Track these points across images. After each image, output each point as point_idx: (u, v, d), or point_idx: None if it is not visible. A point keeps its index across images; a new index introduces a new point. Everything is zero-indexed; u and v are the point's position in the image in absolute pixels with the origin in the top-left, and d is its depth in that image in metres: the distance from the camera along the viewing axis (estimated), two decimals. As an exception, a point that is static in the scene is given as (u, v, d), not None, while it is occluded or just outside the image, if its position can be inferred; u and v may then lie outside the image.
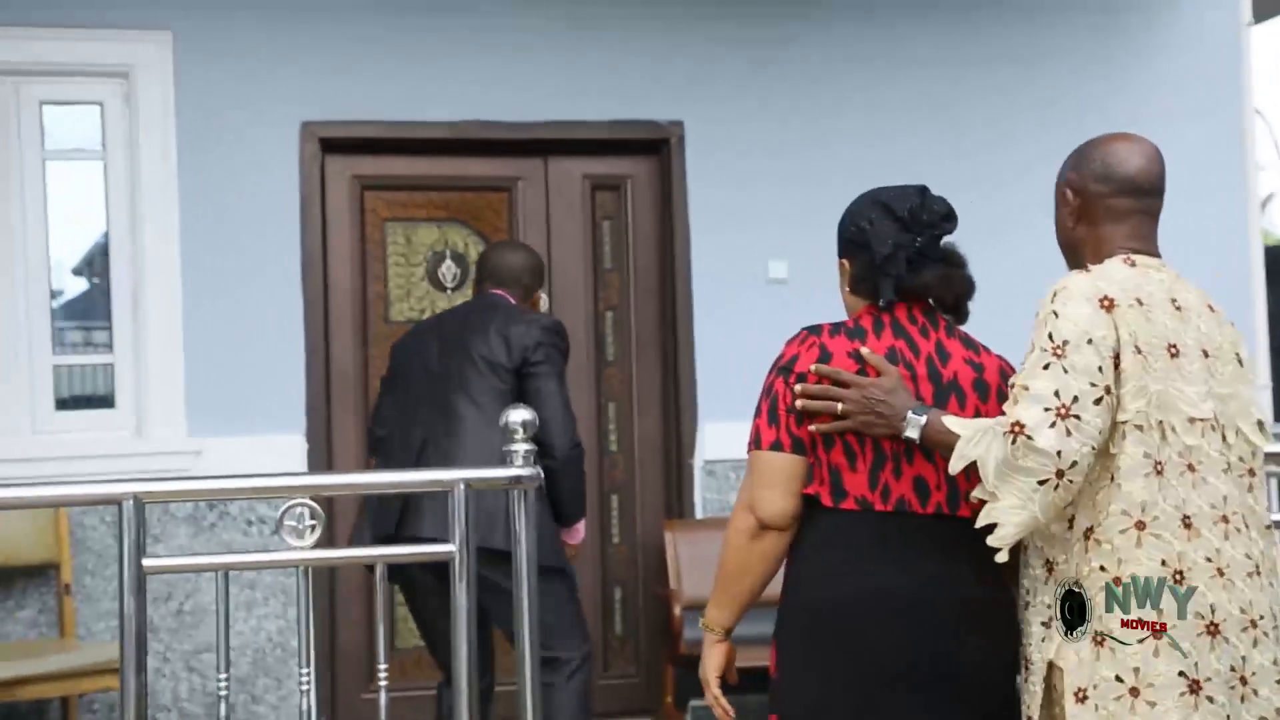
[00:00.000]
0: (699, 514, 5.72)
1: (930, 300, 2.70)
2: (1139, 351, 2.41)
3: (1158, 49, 6.11)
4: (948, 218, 2.69)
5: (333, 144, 5.58)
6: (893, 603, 2.51)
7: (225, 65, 5.50)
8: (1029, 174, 5.77)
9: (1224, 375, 2.51)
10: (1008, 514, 2.35)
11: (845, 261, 2.74)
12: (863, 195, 2.75)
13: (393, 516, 3.94)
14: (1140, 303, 2.44)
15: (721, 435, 5.70)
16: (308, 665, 2.94)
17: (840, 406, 2.55)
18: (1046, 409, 2.32)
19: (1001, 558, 2.40)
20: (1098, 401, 2.35)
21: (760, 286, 5.78)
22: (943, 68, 5.97)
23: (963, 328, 2.75)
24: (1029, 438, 2.31)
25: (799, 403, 2.58)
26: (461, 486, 3.00)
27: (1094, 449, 2.35)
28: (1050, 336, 2.39)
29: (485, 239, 5.77)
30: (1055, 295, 2.44)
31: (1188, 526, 2.38)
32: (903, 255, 2.65)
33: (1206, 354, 2.49)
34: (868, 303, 2.70)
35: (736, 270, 5.77)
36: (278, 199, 5.50)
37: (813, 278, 5.50)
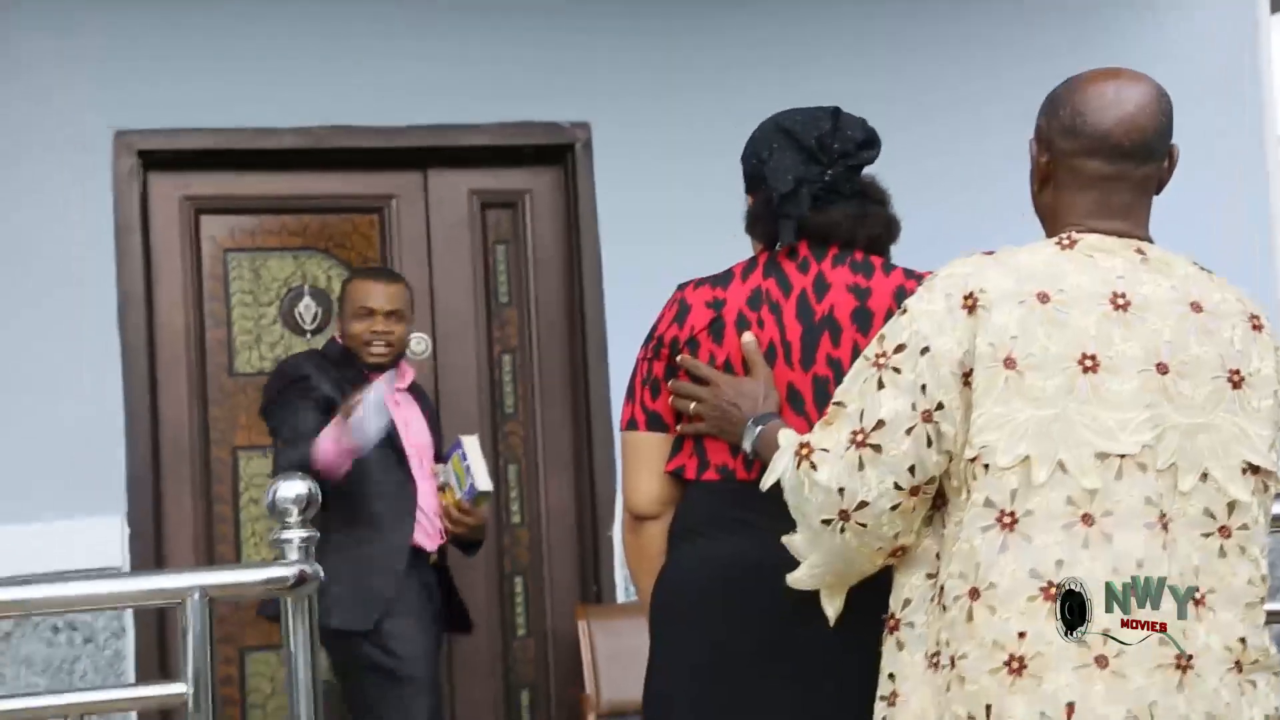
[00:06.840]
0: (619, 597, 4.91)
1: (840, 242, 2.43)
2: (1010, 365, 1.97)
3: (1162, 40, 5.34)
4: (866, 145, 2.44)
5: (156, 158, 4.82)
6: (740, 573, 2.33)
7: (9, 65, 4.67)
8: (982, 179, 5.08)
9: (1193, 399, 2.01)
10: (801, 548, 2.12)
11: (750, 197, 2.54)
12: (767, 120, 2.52)
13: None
14: (1044, 299, 2.00)
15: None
16: None
17: (692, 407, 2.38)
18: (853, 432, 2.04)
19: (830, 612, 2.18)
20: (910, 430, 2.00)
21: (688, 318, 4.95)
22: (881, 58, 5.22)
23: None
24: (813, 466, 2.05)
25: (673, 401, 2.42)
26: (196, 597, 2.24)
27: (900, 487, 2.02)
28: (882, 338, 2.07)
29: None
30: (922, 283, 2.11)
31: (1052, 599, 1.98)
32: (807, 192, 2.41)
33: (1165, 369, 2.00)
34: (764, 245, 2.47)
35: (661, 299, 4.87)
36: (87, 227, 4.69)
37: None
